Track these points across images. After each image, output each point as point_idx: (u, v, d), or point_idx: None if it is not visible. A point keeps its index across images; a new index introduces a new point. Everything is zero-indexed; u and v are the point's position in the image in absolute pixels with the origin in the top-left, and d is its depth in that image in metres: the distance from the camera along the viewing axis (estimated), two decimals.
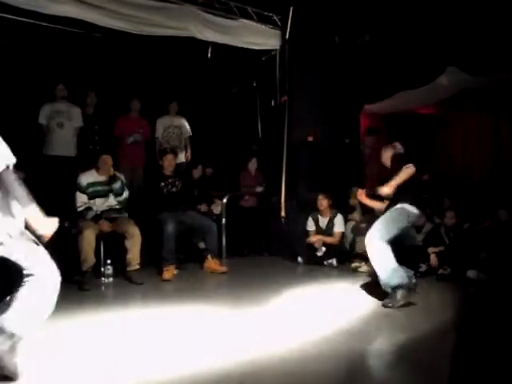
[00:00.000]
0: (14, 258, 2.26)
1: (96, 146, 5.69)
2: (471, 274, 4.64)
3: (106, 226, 4.62)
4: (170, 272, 4.78)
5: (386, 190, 3.76)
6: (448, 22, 5.25)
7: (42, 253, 2.32)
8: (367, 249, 3.76)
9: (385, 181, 3.84)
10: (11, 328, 2.21)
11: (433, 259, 4.89)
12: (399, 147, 4.20)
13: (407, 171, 3.79)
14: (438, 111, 7.55)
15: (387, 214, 3.83)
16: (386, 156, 4.14)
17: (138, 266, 4.62)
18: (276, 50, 6.50)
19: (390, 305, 3.58)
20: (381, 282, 3.70)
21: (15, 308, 2.22)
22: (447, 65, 5.48)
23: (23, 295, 2.24)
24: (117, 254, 4.70)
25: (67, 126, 5.61)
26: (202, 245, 5.51)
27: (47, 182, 5.32)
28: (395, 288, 3.60)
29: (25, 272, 2.26)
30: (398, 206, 3.81)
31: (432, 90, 6.00)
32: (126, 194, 4.90)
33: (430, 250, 4.97)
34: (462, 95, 6.61)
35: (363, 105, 6.64)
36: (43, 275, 2.27)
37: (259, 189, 6.59)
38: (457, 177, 7.19)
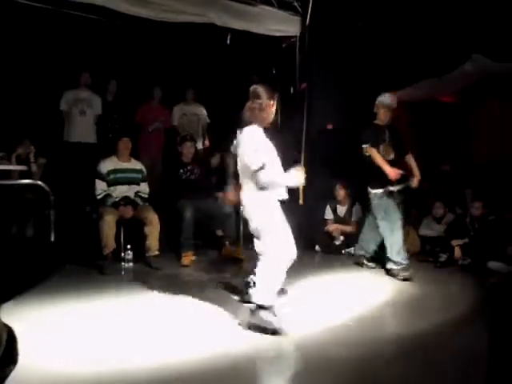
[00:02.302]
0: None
1: (116, 135, 5.75)
2: (492, 264, 4.56)
3: (128, 211, 4.65)
4: (188, 258, 4.83)
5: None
6: (472, 9, 5.11)
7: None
8: None
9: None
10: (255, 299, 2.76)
11: (457, 252, 4.80)
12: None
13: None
14: (461, 99, 7.37)
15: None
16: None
17: (157, 252, 4.68)
18: (296, 36, 6.41)
19: None
20: None
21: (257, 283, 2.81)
22: (472, 52, 5.34)
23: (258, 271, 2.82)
24: (136, 239, 4.77)
25: (89, 114, 5.73)
26: (219, 232, 5.54)
27: (69, 168, 5.42)
28: None
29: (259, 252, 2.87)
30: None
31: (456, 78, 5.87)
32: (144, 186, 4.94)
33: (454, 242, 4.86)
34: (486, 82, 6.44)
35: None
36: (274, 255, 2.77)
37: None
38: (481, 166, 7.02)
